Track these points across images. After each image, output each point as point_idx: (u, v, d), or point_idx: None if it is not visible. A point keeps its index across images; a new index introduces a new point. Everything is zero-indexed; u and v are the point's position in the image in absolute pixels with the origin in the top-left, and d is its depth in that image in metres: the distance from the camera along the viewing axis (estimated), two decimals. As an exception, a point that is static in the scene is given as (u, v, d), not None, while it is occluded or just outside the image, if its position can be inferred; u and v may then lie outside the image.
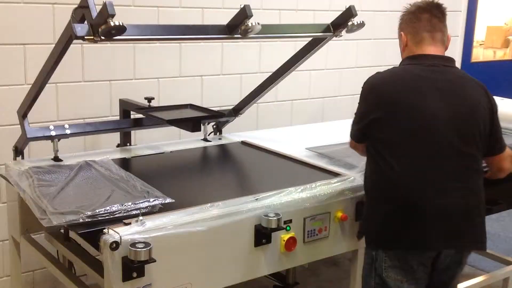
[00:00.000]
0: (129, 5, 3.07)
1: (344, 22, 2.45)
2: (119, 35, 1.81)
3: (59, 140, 2.55)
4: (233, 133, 3.15)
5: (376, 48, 4.18)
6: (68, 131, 2.55)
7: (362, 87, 2.14)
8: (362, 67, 4.12)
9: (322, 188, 2.25)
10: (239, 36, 2.15)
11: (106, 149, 2.84)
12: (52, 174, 2.27)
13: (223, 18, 3.36)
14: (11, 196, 2.46)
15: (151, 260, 1.77)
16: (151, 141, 2.97)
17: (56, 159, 2.53)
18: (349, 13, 2.43)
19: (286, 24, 2.70)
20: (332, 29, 2.49)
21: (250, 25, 2.09)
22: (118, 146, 2.89)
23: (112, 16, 1.75)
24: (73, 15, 1.86)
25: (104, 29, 1.76)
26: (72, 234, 2.41)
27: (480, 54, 5.39)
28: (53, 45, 2.83)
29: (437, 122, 2.00)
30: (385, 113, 2.03)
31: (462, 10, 4.66)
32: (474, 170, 2.05)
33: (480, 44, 5.37)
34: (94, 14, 1.81)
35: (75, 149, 2.79)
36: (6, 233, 2.85)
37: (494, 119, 2.11)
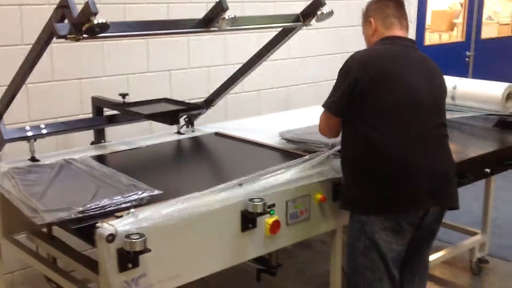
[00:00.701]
0: (96, 3, 3.07)
1: (313, 11, 2.54)
2: (103, 33, 1.84)
3: (35, 140, 2.56)
4: (205, 125, 3.21)
5: (336, 37, 4.31)
6: (44, 131, 2.56)
7: (344, 64, 2.23)
8: (324, 55, 4.24)
9: (301, 171, 2.33)
10: (216, 29, 2.21)
11: (81, 147, 2.84)
12: (34, 174, 2.29)
13: (189, 12, 3.43)
14: (-9, 198, 2.45)
15: (146, 250, 1.82)
16: (123, 137, 2.99)
17: (33, 159, 2.53)
18: (318, 2, 2.52)
19: (258, 15, 2.77)
20: (302, 19, 2.58)
21: (227, 17, 2.15)
22: (92, 143, 2.90)
23: (95, 14, 1.78)
24: (53, 15, 1.88)
25: (88, 27, 1.79)
26: (55, 232, 2.44)
27: (426, 38, 5.61)
28: (21, 46, 2.84)
29: (420, 95, 2.19)
30: (374, 83, 2.14)
31: (414, -4, 4.85)
32: (446, 137, 2.30)
33: (426, 28, 5.58)
34: (75, 13, 1.84)
35: (47, 149, 2.77)
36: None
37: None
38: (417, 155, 2.17)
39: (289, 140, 2.74)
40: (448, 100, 3.41)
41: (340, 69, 2.24)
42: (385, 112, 2.16)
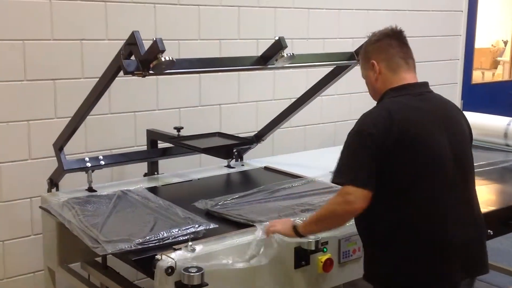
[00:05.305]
0: (151, 39, 3.17)
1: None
2: (169, 69, 1.91)
3: (93, 171, 2.63)
4: (253, 159, 3.25)
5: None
6: (102, 162, 2.64)
7: (358, 129, 1.93)
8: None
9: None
10: (273, 66, 2.26)
11: (135, 178, 2.91)
12: (92, 204, 2.35)
13: (240, 48, 3.51)
14: (49, 226, 2.51)
15: (203, 284, 1.84)
16: (173, 169, 3.05)
17: (91, 189, 2.60)
18: (373, 42, 2.54)
19: (314, 53, 2.82)
20: (356, 56, 2.61)
21: (285, 55, 2.20)
22: (145, 175, 2.97)
23: (163, 51, 1.85)
24: (121, 52, 1.96)
25: (155, 64, 1.86)
26: (109, 262, 2.49)
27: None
28: (81, 80, 2.96)
29: (445, 154, 1.94)
30: (396, 148, 1.88)
31: (461, 34, 4.83)
32: (474, 188, 2.06)
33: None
34: (142, 50, 1.91)
35: (103, 179, 2.86)
36: (35, 264, 2.92)
37: (472, 141, 2.14)
38: (450, 227, 1.93)
39: (213, 213, 2.31)
40: (499, 140, 3.39)
41: (353, 135, 1.93)
42: (411, 180, 1.90)
